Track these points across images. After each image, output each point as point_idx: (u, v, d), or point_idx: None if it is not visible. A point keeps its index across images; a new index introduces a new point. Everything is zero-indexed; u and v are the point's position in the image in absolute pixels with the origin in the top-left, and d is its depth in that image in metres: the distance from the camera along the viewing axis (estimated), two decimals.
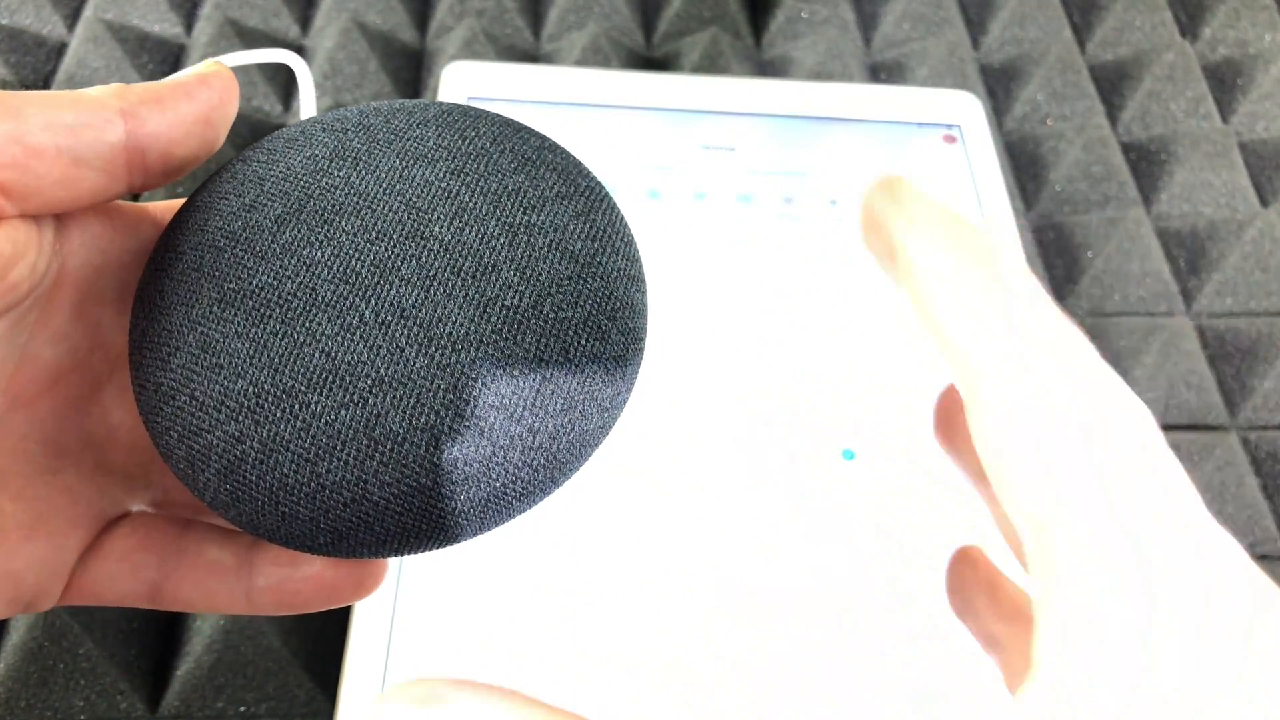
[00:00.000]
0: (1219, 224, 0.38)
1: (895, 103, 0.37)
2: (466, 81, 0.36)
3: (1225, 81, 0.43)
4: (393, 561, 0.27)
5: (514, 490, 0.15)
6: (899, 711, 0.26)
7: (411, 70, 0.41)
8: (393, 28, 0.41)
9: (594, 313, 0.15)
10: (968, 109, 0.38)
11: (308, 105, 0.19)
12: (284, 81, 0.39)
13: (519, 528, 0.28)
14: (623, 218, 0.17)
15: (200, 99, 0.16)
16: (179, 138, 0.15)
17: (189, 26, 0.40)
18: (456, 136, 0.16)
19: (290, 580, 0.17)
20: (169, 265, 0.15)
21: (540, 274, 0.15)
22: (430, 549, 0.15)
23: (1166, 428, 0.34)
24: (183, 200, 0.18)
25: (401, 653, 0.26)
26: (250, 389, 0.14)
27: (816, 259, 0.33)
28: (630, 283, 0.16)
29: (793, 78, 0.41)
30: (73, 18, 0.39)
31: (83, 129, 0.14)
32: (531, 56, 0.41)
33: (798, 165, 0.36)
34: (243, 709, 0.27)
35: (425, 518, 0.14)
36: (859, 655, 0.27)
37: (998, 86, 0.43)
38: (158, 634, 0.28)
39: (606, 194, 0.17)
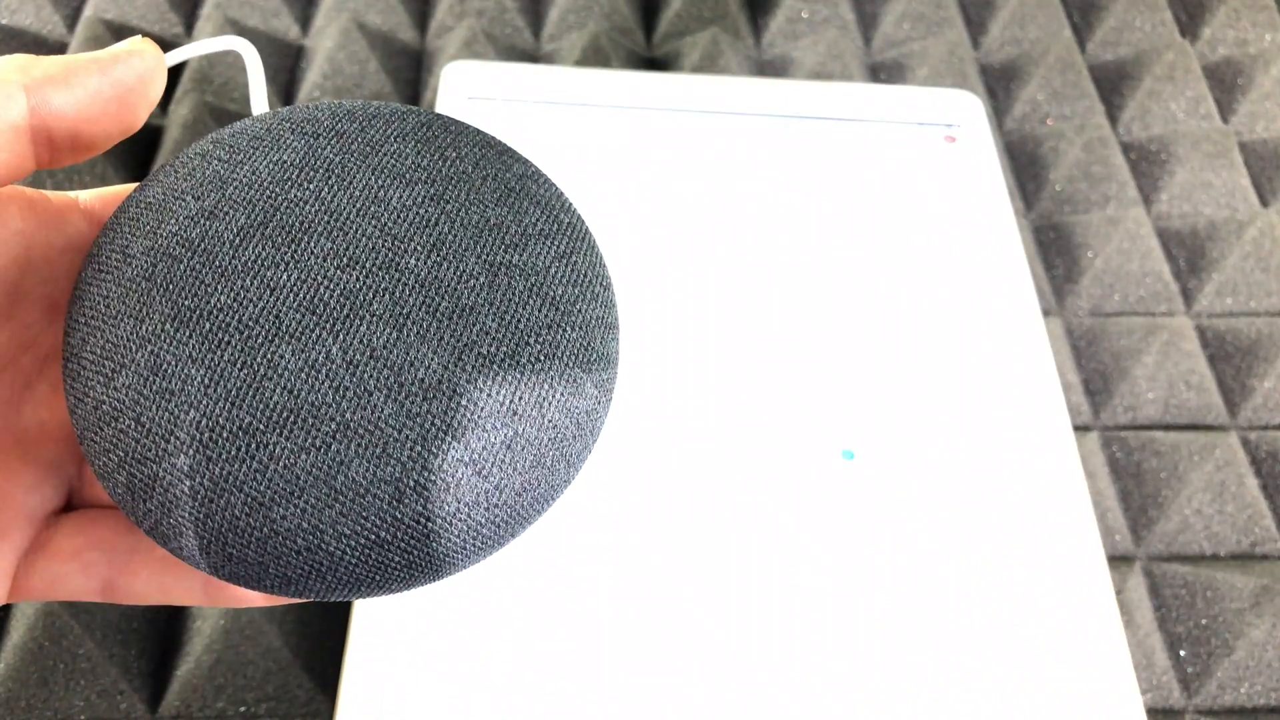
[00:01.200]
0: (1219, 224, 0.38)
1: (895, 103, 0.37)
2: (466, 81, 0.36)
3: (1225, 81, 0.43)
4: None
5: (474, 545, 0.14)
6: (899, 711, 0.26)
7: (411, 70, 0.41)
8: (393, 28, 0.41)
9: (570, 365, 0.14)
10: (968, 109, 0.38)
11: (258, 98, 0.18)
12: (283, 83, 0.39)
13: None
14: (602, 259, 0.16)
15: (114, 76, 0.15)
16: (90, 115, 0.15)
17: (189, 26, 0.40)
18: (437, 156, 0.15)
19: None
20: (115, 268, 0.14)
21: (519, 320, 0.14)
22: (380, 595, 0.15)
23: (1166, 428, 0.34)
24: (117, 190, 0.17)
25: (401, 653, 0.26)
26: (204, 421, 0.13)
27: (817, 259, 0.33)
28: (606, 332, 0.15)
29: (793, 78, 0.41)
30: (73, 18, 0.39)
31: None
32: (531, 56, 0.41)
33: (798, 165, 0.36)
34: (243, 709, 0.27)
35: (380, 570, 0.14)
36: (858, 655, 0.27)
37: (998, 86, 0.43)
38: (158, 634, 0.28)
39: (588, 232, 0.16)
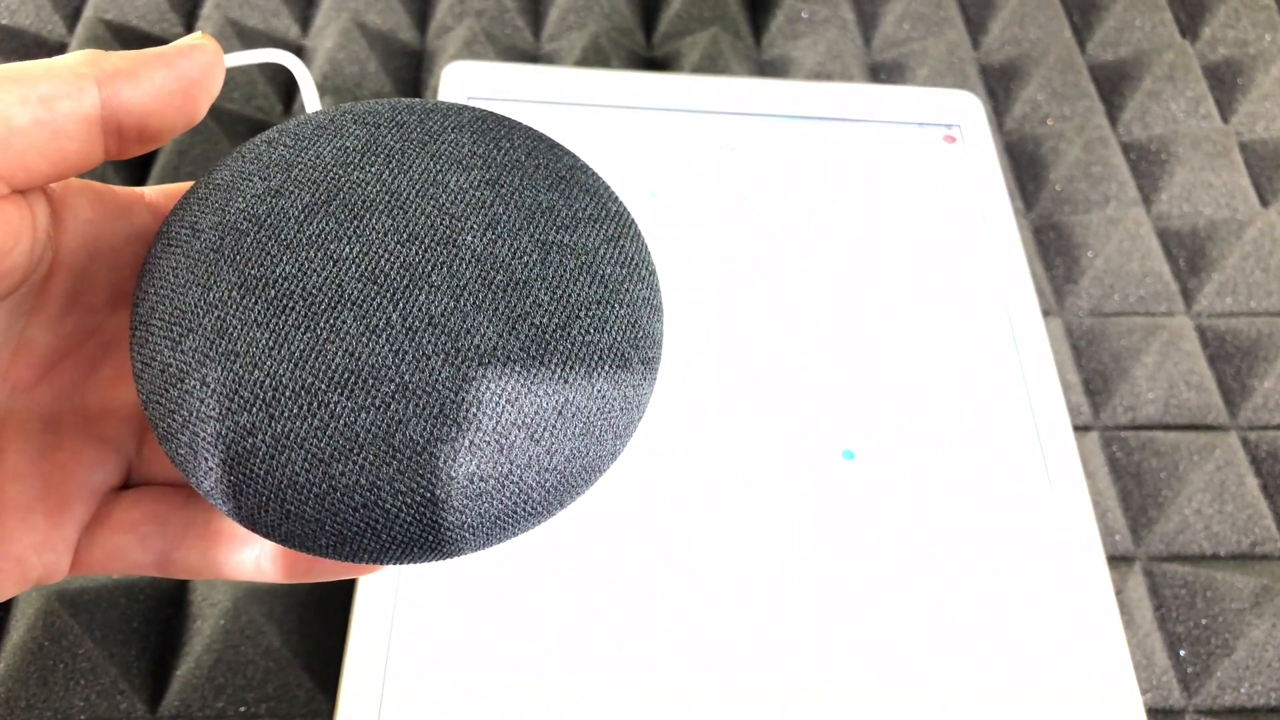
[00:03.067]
0: (1219, 224, 0.38)
1: (895, 103, 0.37)
2: (466, 81, 0.36)
3: (1225, 81, 0.43)
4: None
5: (524, 509, 0.14)
6: (899, 711, 0.26)
7: (411, 70, 0.41)
8: (393, 28, 0.41)
9: (619, 340, 0.15)
10: (968, 109, 0.38)
11: (311, 106, 0.19)
12: (283, 81, 0.39)
13: None
14: (647, 248, 0.17)
15: (179, 70, 0.15)
16: (155, 108, 0.15)
17: (189, 27, 0.40)
18: (491, 145, 0.16)
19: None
20: (184, 242, 0.15)
21: (570, 295, 0.15)
22: (430, 560, 0.15)
23: (1166, 428, 0.34)
24: (180, 186, 0.18)
25: (401, 653, 0.26)
26: (268, 381, 0.13)
27: (817, 259, 0.33)
28: (653, 313, 0.16)
29: (793, 78, 0.41)
30: (73, 18, 0.39)
31: (57, 99, 0.14)
32: (531, 56, 0.41)
33: (798, 165, 0.36)
34: (243, 709, 0.27)
35: (434, 529, 0.14)
36: (859, 655, 0.27)
37: (998, 86, 0.43)
38: (158, 634, 0.28)
39: (634, 221, 0.17)
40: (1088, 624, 0.28)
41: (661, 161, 0.35)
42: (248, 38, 0.40)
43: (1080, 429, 0.34)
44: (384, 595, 0.27)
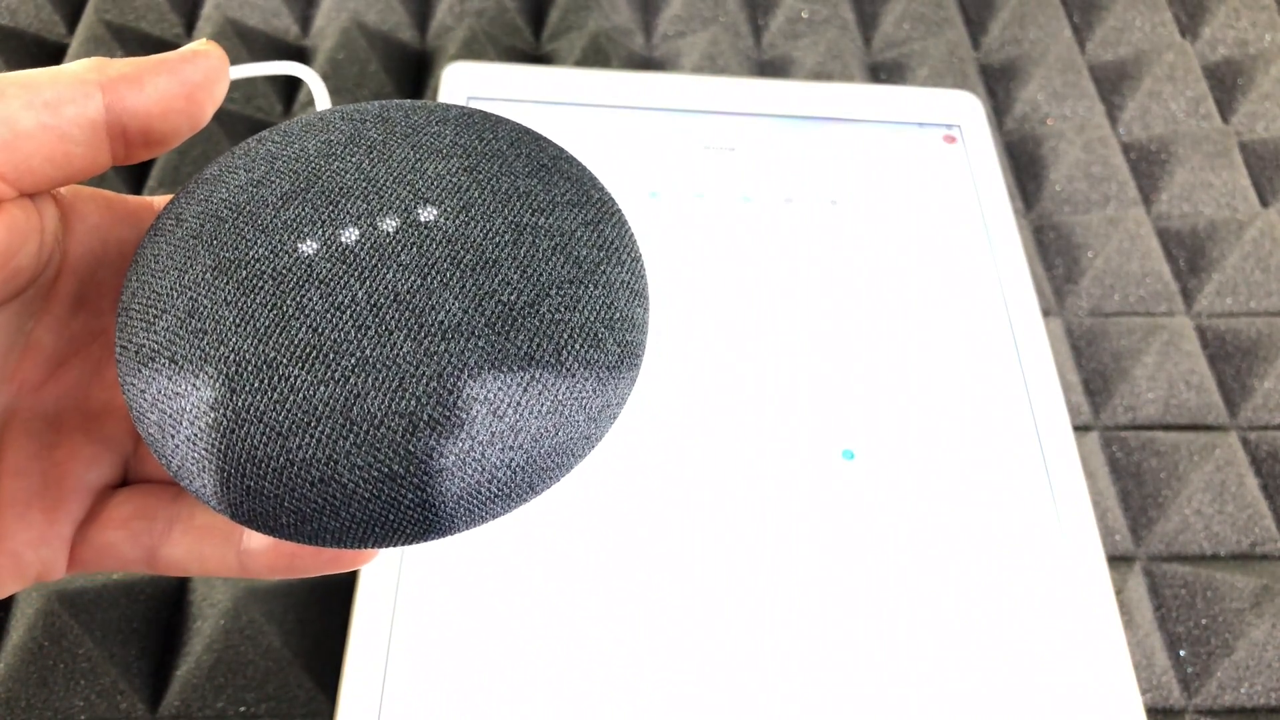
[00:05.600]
0: (1219, 224, 0.38)
1: (895, 103, 0.37)
2: (466, 81, 0.36)
3: (1225, 81, 0.43)
4: (395, 557, 0.27)
5: (489, 490, 0.14)
6: (899, 711, 0.26)
7: (411, 70, 0.41)
8: (393, 28, 0.41)
9: (591, 319, 0.15)
10: (968, 109, 0.38)
11: None
12: (283, 83, 0.39)
13: (519, 528, 0.28)
14: (632, 234, 0.16)
15: (183, 75, 0.16)
16: (160, 112, 0.15)
17: (189, 27, 0.40)
18: (474, 137, 0.16)
19: (283, 543, 0.17)
20: (168, 231, 0.15)
21: (541, 274, 0.15)
22: (395, 543, 0.15)
23: (1166, 428, 0.34)
24: None
25: (401, 653, 0.26)
26: (231, 356, 0.14)
27: (816, 258, 0.33)
28: (632, 296, 0.16)
29: (793, 78, 0.41)
30: (73, 18, 0.39)
31: (63, 104, 0.14)
32: (531, 56, 0.41)
33: (798, 165, 0.36)
34: (243, 709, 0.27)
35: (393, 507, 0.14)
36: (859, 655, 0.27)
37: (998, 86, 0.43)
38: (158, 634, 0.28)
39: (618, 209, 0.16)
40: (1088, 624, 0.28)
41: (661, 161, 0.35)
42: (248, 38, 0.40)
43: (1080, 429, 0.34)
44: (384, 595, 0.27)
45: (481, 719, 0.25)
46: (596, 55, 0.40)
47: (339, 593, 0.29)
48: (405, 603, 0.27)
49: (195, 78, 0.16)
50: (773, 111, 0.37)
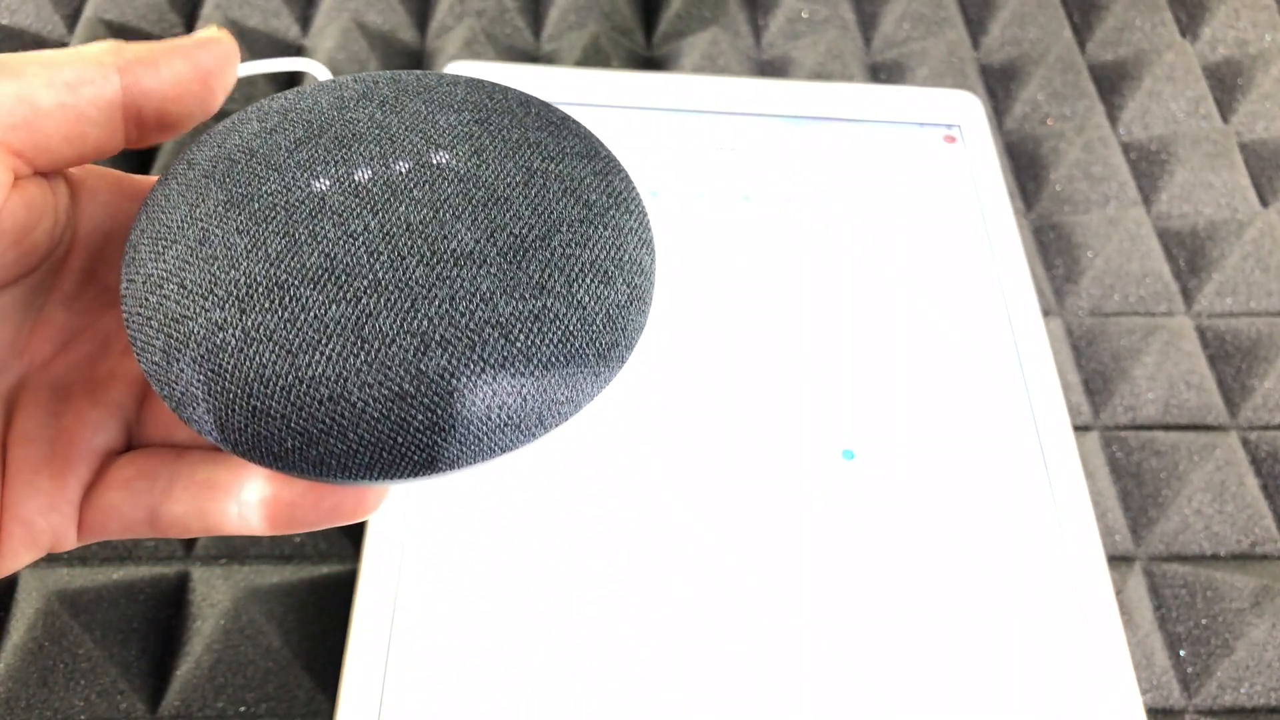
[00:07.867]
0: (1219, 224, 0.38)
1: (895, 103, 0.37)
2: None
3: (1225, 81, 0.43)
4: (395, 557, 0.27)
5: (498, 416, 0.14)
6: (899, 711, 0.26)
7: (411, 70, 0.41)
8: (393, 28, 0.41)
9: (601, 257, 0.15)
10: (968, 109, 0.38)
11: None
12: (285, 83, 0.39)
13: (519, 527, 0.28)
14: (638, 192, 0.17)
15: (196, 60, 0.16)
16: (174, 95, 0.16)
17: (189, 27, 0.40)
18: (485, 96, 0.16)
19: (283, 493, 0.17)
20: (179, 175, 0.15)
21: (552, 213, 0.15)
22: (400, 475, 0.14)
23: (1166, 428, 0.34)
24: None
25: (401, 653, 0.26)
26: (242, 279, 0.14)
27: (817, 258, 0.33)
28: (640, 244, 0.16)
29: (793, 78, 0.41)
30: (73, 18, 0.40)
31: (81, 85, 0.15)
32: (531, 56, 0.41)
33: (798, 165, 0.36)
34: (243, 709, 0.27)
35: (402, 429, 0.14)
36: (858, 654, 0.27)
37: (998, 86, 0.43)
38: (158, 634, 0.28)
39: (624, 168, 0.17)
40: (1088, 624, 0.28)
41: (661, 161, 0.35)
42: (248, 38, 0.40)
43: (1080, 429, 0.34)
44: (384, 595, 0.27)
45: (481, 719, 0.25)
46: (596, 55, 0.40)
47: (339, 593, 0.29)
48: (405, 603, 0.27)
49: (208, 63, 0.16)
50: (773, 111, 0.37)
